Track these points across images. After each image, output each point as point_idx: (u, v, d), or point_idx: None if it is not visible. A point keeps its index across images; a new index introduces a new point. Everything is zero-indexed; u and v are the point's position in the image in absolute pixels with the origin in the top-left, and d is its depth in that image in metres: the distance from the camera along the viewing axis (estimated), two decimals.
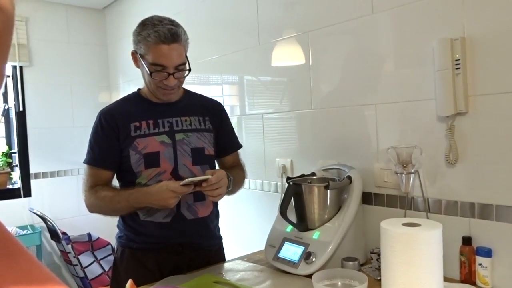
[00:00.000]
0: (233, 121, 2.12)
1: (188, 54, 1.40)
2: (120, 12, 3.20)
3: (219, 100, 2.11)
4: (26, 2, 3.03)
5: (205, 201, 1.44)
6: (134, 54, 1.38)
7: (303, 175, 1.53)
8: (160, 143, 1.39)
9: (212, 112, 1.53)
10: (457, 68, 1.21)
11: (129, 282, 1.11)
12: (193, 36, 2.17)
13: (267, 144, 1.98)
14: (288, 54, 1.85)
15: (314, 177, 1.51)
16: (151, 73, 1.33)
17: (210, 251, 1.50)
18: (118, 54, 3.27)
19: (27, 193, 3.03)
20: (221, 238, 1.57)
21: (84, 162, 1.41)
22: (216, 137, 1.52)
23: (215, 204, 1.52)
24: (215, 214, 1.52)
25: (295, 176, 1.56)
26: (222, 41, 2.19)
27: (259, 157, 2.01)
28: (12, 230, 2.78)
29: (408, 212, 1.38)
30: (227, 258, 1.57)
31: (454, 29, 1.24)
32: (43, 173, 3.11)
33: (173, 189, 1.25)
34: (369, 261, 1.39)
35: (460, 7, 1.23)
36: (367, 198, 1.51)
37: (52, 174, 3.14)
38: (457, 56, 1.22)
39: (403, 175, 1.30)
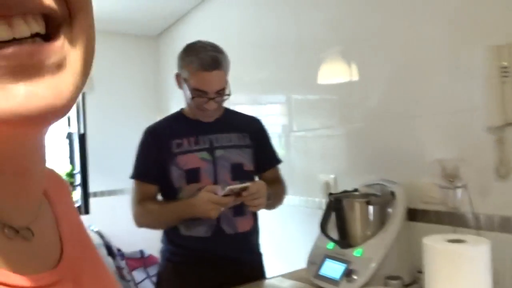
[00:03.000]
0: (277, 138, 2.13)
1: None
2: (173, 38, 3.37)
3: (263, 118, 2.15)
4: None
5: (245, 216, 1.45)
6: (178, 76, 1.45)
7: (345, 191, 1.50)
8: (201, 159, 1.43)
9: (251, 129, 1.55)
10: (504, 76, 1.15)
11: None
12: (243, 57, 2.26)
13: (310, 161, 1.97)
14: (331, 70, 1.84)
15: (356, 193, 1.47)
16: (192, 97, 1.39)
17: (250, 267, 1.50)
18: (170, 79, 3.43)
19: (87, 211, 3.22)
20: (261, 254, 1.57)
21: (130, 177, 1.48)
22: (255, 153, 1.53)
23: (255, 220, 1.52)
24: (255, 230, 1.53)
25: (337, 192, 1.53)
26: (268, 60, 2.24)
27: (303, 174, 2.00)
28: None
29: (458, 229, 1.29)
30: (268, 275, 1.56)
31: (500, 36, 1.18)
32: (101, 191, 3.29)
33: (214, 200, 1.28)
34: (417, 280, 1.32)
35: (506, 13, 1.17)
36: (414, 214, 1.44)
37: (110, 193, 3.32)
38: (504, 63, 1.15)
39: (449, 189, 1.23)
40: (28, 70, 0.24)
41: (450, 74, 1.33)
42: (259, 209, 1.37)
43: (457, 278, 0.93)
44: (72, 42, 0.28)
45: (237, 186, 1.29)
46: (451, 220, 1.32)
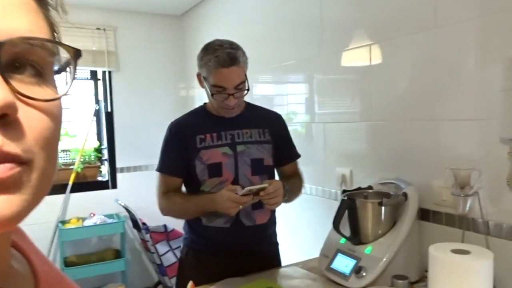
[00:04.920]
0: (299, 128, 2.18)
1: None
2: (196, 17, 3.39)
3: (286, 105, 2.20)
4: (115, 12, 3.34)
5: (263, 209, 1.54)
6: (198, 76, 1.51)
7: (359, 188, 1.56)
8: (223, 154, 1.51)
9: (271, 124, 1.61)
10: None
11: (190, 283, 1.24)
12: (266, 38, 2.28)
13: (329, 153, 2.02)
14: (352, 64, 1.85)
15: (370, 191, 1.53)
16: (212, 94, 1.44)
17: (266, 256, 1.60)
18: (194, 58, 3.47)
19: (114, 185, 3.38)
20: (277, 244, 1.66)
21: (156, 170, 1.57)
22: (275, 148, 1.60)
23: (273, 212, 1.61)
24: (272, 221, 1.61)
25: (353, 187, 1.59)
26: (291, 41, 2.26)
27: (321, 164, 2.06)
28: (101, 218, 3.13)
29: (467, 233, 1.34)
30: (283, 263, 1.66)
31: None
32: (127, 167, 3.44)
33: (234, 199, 1.36)
34: (424, 279, 1.39)
35: None
36: (425, 214, 1.49)
37: (135, 169, 3.46)
38: None
39: (460, 197, 1.27)
40: None
41: (468, 81, 1.34)
42: (275, 207, 1.45)
43: None
44: (33, 170, 0.32)
45: (255, 186, 1.37)
46: (461, 224, 1.37)
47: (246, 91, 1.49)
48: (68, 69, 0.36)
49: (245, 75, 1.48)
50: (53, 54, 0.34)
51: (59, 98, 0.34)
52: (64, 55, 0.35)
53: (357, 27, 1.78)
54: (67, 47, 0.34)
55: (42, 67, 0.34)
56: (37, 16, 0.34)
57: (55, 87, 0.35)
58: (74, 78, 0.35)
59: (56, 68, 0.35)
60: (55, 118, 0.34)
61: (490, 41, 1.26)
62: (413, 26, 1.51)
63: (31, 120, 0.32)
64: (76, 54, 0.35)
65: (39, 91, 0.33)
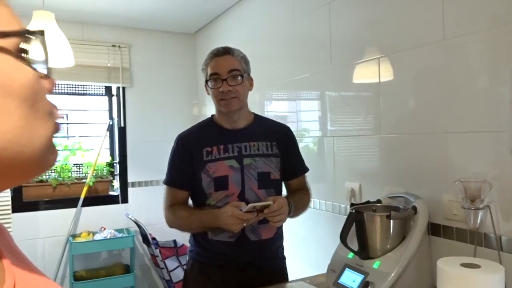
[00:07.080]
0: (311, 143, 2.17)
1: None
2: (209, 35, 3.45)
3: (297, 122, 2.19)
4: (130, 30, 3.42)
5: (269, 224, 1.51)
6: (205, 84, 1.54)
7: (368, 202, 1.53)
8: (229, 167, 1.50)
9: (279, 137, 1.60)
10: None
11: None
12: (275, 57, 2.29)
13: (338, 167, 2.00)
14: (361, 77, 1.85)
15: (379, 204, 1.50)
16: (207, 81, 1.51)
17: (272, 271, 1.57)
18: None
19: (125, 200, 3.40)
20: (284, 259, 1.63)
21: (163, 183, 1.57)
22: (282, 161, 1.58)
23: (279, 226, 1.58)
24: (279, 236, 1.59)
25: (362, 201, 1.56)
26: (301, 58, 2.27)
27: (331, 179, 2.03)
28: (111, 233, 3.13)
29: (479, 249, 1.30)
30: (290, 277, 1.62)
31: None
32: (138, 182, 3.46)
33: (237, 216, 1.35)
34: None
35: None
36: (436, 229, 1.45)
37: (146, 184, 3.48)
38: None
39: (471, 210, 1.24)
40: None
41: (477, 93, 1.32)
42: (279, 225, 1.43)
43: None
44: None
45: (259, 203, 1.36)
46: (472, 239, 1.33)
47: (240, 78, 1.50)
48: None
49: (243, 69, 1.52)
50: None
51: None
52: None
53: (366, 40, 1.79)
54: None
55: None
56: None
57: None
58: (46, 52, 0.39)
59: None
60: None
61: (498, 53, 1.25)
62: (421, 39, 1.51)
63: None
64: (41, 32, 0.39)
65: None
